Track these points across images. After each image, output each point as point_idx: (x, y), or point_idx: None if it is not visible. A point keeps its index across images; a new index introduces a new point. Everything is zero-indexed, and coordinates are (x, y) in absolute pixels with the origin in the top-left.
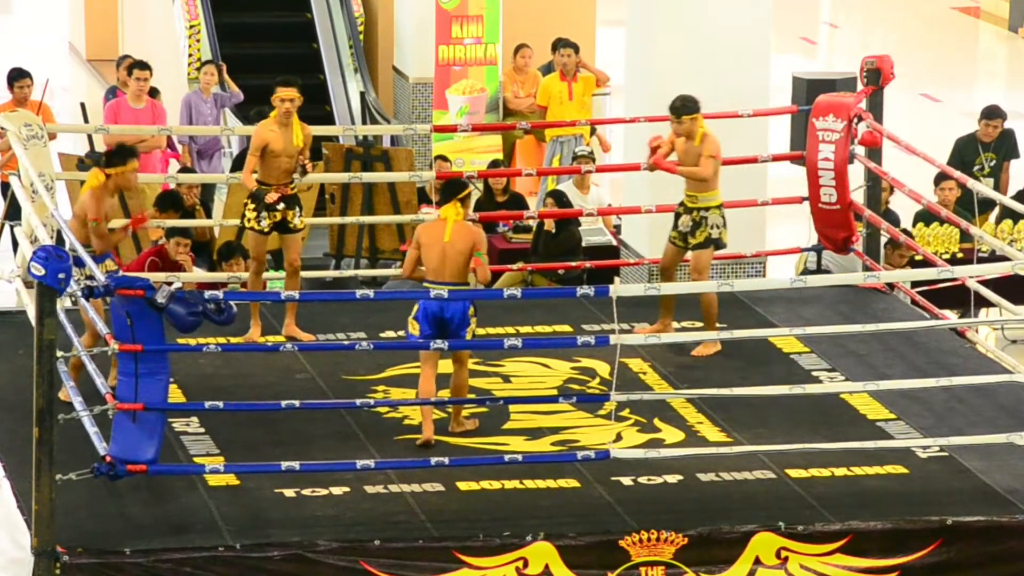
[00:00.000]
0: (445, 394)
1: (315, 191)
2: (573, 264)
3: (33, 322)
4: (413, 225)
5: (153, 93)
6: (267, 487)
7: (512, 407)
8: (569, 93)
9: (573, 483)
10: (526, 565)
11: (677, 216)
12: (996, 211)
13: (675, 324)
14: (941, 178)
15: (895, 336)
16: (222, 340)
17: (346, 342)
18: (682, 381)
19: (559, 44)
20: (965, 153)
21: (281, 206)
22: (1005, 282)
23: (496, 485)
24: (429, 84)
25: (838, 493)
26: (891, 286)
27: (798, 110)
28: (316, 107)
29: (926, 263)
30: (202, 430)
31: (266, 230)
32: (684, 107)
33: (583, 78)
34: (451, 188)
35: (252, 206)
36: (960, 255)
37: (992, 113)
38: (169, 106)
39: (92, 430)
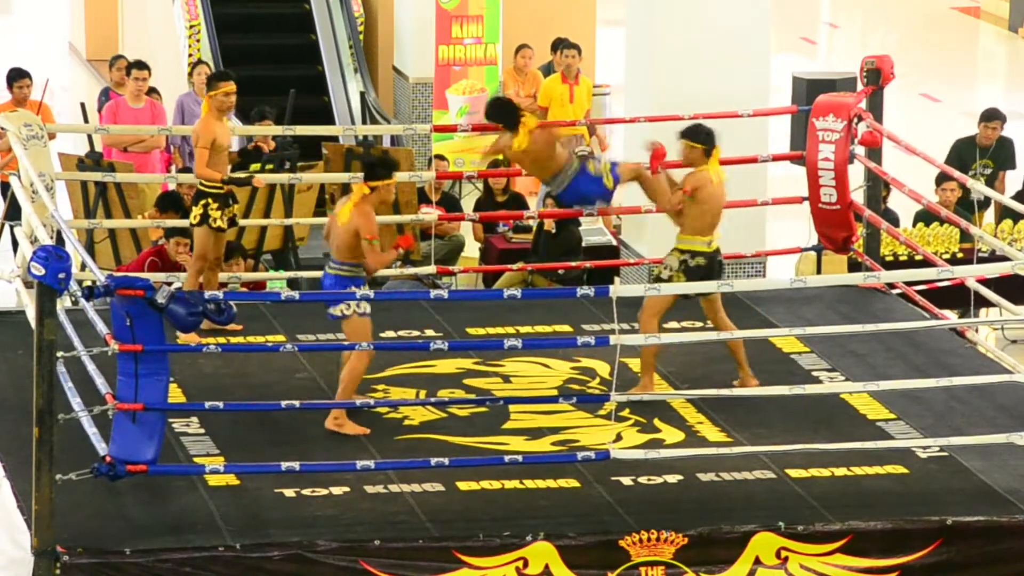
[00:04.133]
0: (445, 394)
1: (315, 191)
2: (573, 264)
3: (33, 322)
4: (413, 225)
5: (150, 92)
6: (267, 487)
7: (512, 407)
8: (570, 96)
9: (573, 483)
10: (526, 565)
11: None
12: (991, 209)
13: (675, 324)
14: (942, 178)
15: (895, 336)
16: (222, 340)
17: (346, 342)
18: (682, 381)
19: (560, 44)
20: (963, 155)
21: (230, 202)
22: (1005, 282)
23: (496, 485)
24: (429, 84)
25: (838, 493)
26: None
27: (798, 110)
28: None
29: (926, 263)
30: (202, 430)
31: (226, 227)
32: (683, 131)
33: (584, 81)
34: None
35: (215, 205)
36: (960, 255)
37: (991, 115)
38: (169, 107)
39: (92, 430)
